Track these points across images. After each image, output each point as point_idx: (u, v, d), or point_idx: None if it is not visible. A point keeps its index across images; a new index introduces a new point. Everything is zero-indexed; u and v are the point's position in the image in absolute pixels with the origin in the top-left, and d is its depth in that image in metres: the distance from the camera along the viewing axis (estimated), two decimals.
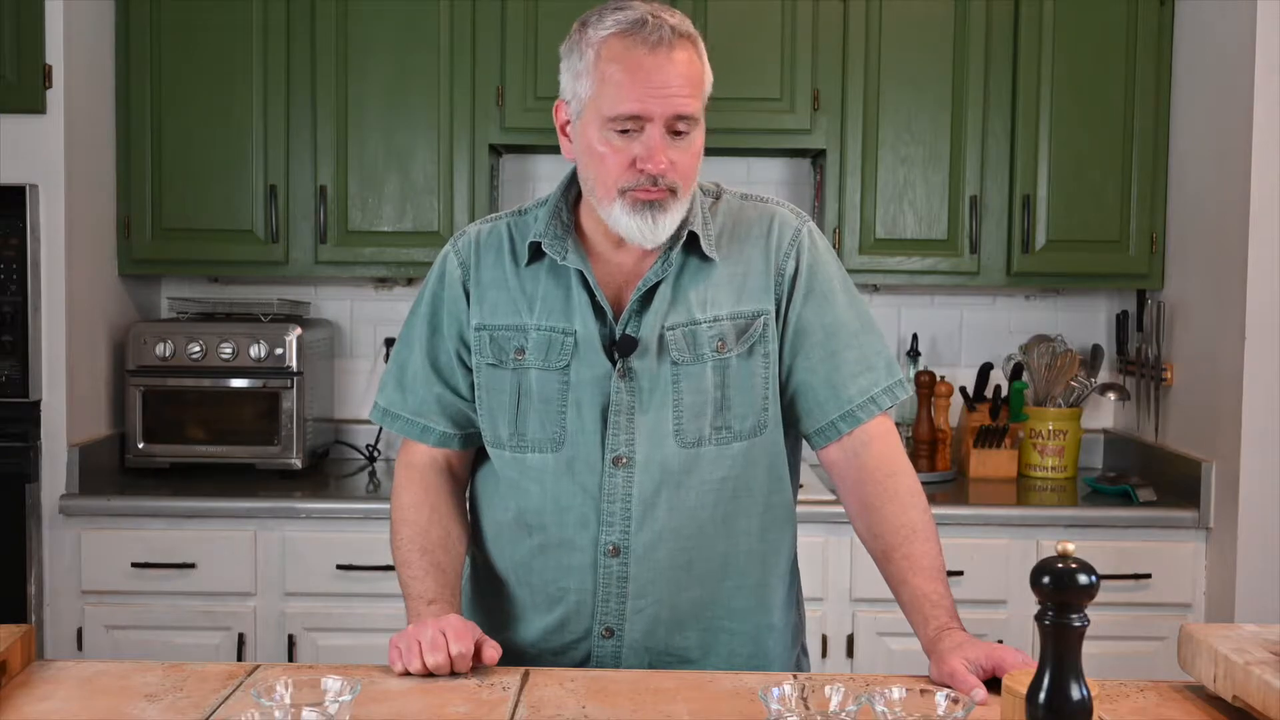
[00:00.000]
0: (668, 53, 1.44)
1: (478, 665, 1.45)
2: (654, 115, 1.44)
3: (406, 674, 1.43)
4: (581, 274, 1.55)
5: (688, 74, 1.46)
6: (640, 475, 1.53)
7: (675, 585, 1.55)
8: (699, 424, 1.54)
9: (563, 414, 1.55)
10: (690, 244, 1.56)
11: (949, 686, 1.33)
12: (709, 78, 1.52)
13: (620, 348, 1.53)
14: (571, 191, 1.60)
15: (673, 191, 1.48)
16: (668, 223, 1.49)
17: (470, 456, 1.68)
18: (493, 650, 1.45)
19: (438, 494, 1.64)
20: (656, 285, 1.55)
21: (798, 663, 1.69)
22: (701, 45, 1.51)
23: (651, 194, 1.47)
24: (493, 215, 1.68)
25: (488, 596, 1.66)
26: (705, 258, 1.56)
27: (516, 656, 1.59)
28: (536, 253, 1.58)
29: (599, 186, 1.50)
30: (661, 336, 1.54)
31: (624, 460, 1.53)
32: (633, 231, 1.49)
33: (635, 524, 1.53)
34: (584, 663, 1.58)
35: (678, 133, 1.47)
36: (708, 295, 1.56)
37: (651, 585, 1.55)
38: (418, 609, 1.53)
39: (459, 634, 1.43)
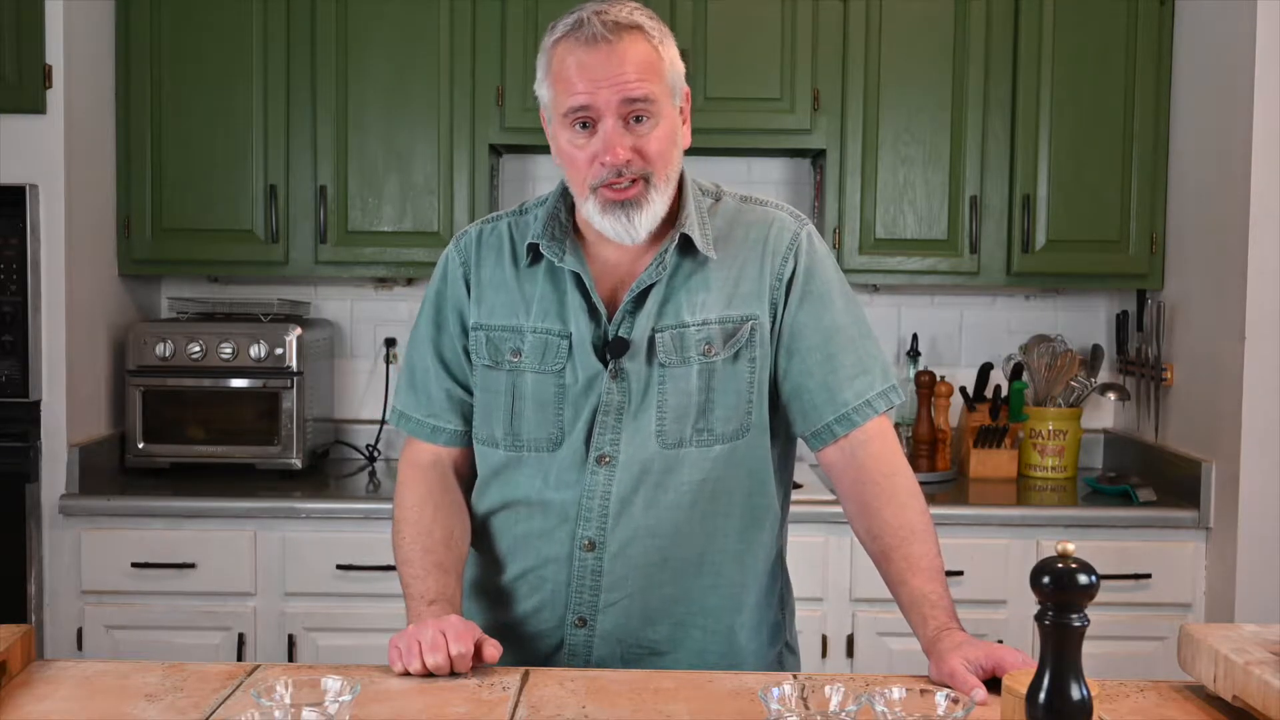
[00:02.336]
0: (608, 46, 1.48)
1: (478, 665, 1.45)
2: (601, 105, 1.48)
3: (406, 674, 1.43)
4: (578, 275, 1.57)
5: (634, 59, 1.48)
6: (621, 474, 1.55)
7: (648, 581, 1.57)
8: (681, 425, 1.55)
9: (560, 415, 1.57)
10: (686, 245, 1.57)
11: (949, 686, 1.33)
12: (670, 63, 1.52)
13: (612, 349, 1.55)
14: (570, 193, 1.61)
15: (645, 181, 1.50)
16: (644, 218, 1.51)
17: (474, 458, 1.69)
18: (493, 649, 1.46)
19: (441, 493, 1.65)
20: (651, 287, 1.56)
21: (780, 660, 1.69)
22: (654, 32, 1.51)
23: (621, 193, 1.49)
24: (494, 214, 1.70)
25: (482, 576, 1.67)
26: (700, 260, 1.57)
27: (502, 633, 1.59)
28: (535, 254, 1.60)
29: (574, 186, 1.54)
30: (651, 339, 1.55)
31: (607, 459, 1.55)
32: (608, 230, 1.52)
33: (612, 521, 1.55)
34: (558, 648, 1.60)
35: (637, 119, 1.49)
36: (699, 299, 1.57)
37: (624, 580, 1.56)
38: (418, 609, 1.54)
39: (459, 634, 1.43)
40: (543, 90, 1.55)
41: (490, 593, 1.65)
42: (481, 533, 1.66)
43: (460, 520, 1.64)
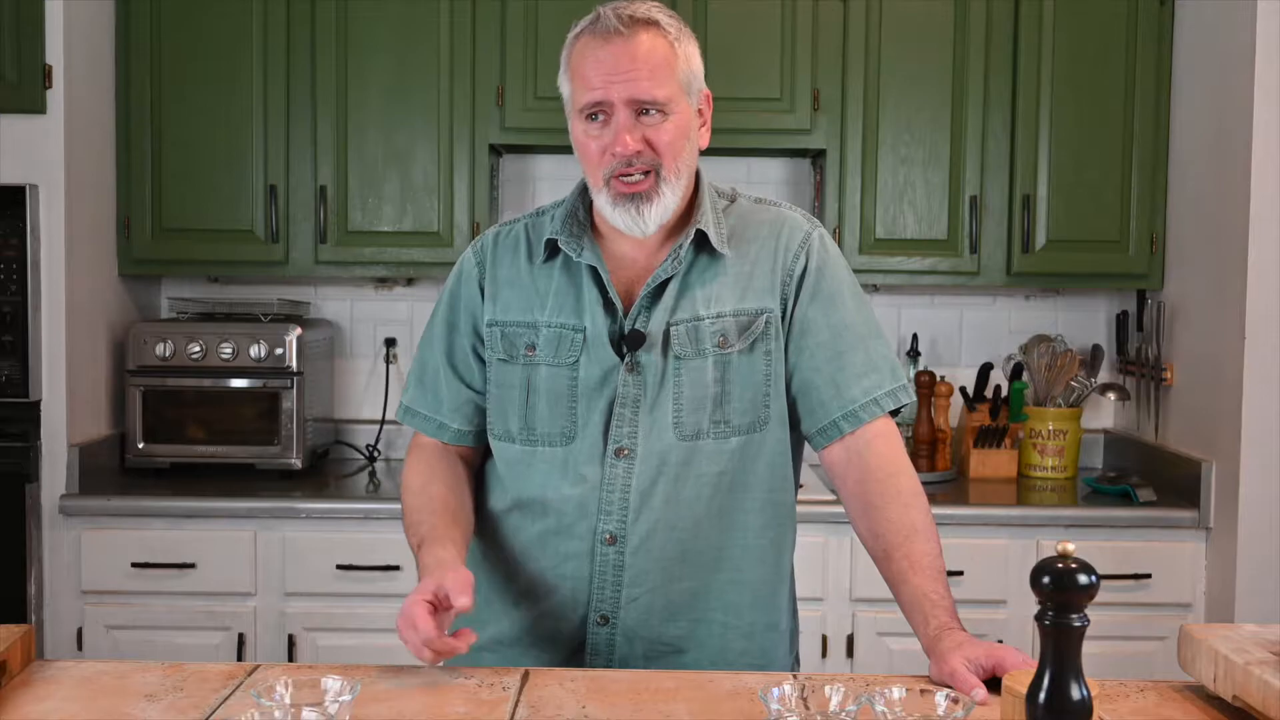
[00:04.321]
0: (622, 40, 1.50)
1: (464, 614, 1.42)
2: (613, 99, 1.50)
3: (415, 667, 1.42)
4: (594, 270, 1.59)
5: (647, 55, 1.50)
6: (640, 466, 1.55)
7: (669, 576, 1.57)
8: (698, 417, 1.56)
9: (573, 408, 1.58)
10: (700, 242, 1.59)
11: (949, 686, 1.33)
12: (686, 60, 1.54)
13: (629, 342, 1.56)
14: (588, 192, 1.63)
15: (655, 173, 1.52)
16: (654, 211, 1.53)
17: (483, 451, 1.70)
18: (461, 597, 1.40)
19: (446, 469, 1.65)
20: (667, 281, 1.58)
21: (792, 669, 1.70)
22: (670, 29, 1.53)
23: (632, 185, 1.52)
24: (511, 218, 1.72)
25: (485, 585, 1.67)
26: (715, 256, 1.60)
27: (514, 643, 1.60)
28: (552, 250, 1.62)
29: (589, 178, 1.57)
30: (666, 331, 1.57)
31: (625, 451, 1.56)
32: (620, 223, 1.55)
33: (632, 514, 1.55)
34: (579, 649, 1.59)
35: (648, 111, 1.51)
36: (713, 292, 1.59)
37: (646, 575, 1.56)
38: (419, 562, 1.52)
39: (412, 622, 1.37)
40: (563, 85, 1.58)
41: (506, 598, 1.64)
42: (495, 535, 1.65)
43: (465, 494, 1.64)
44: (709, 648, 1.60)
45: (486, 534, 1.67)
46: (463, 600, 1.40)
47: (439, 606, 1.40)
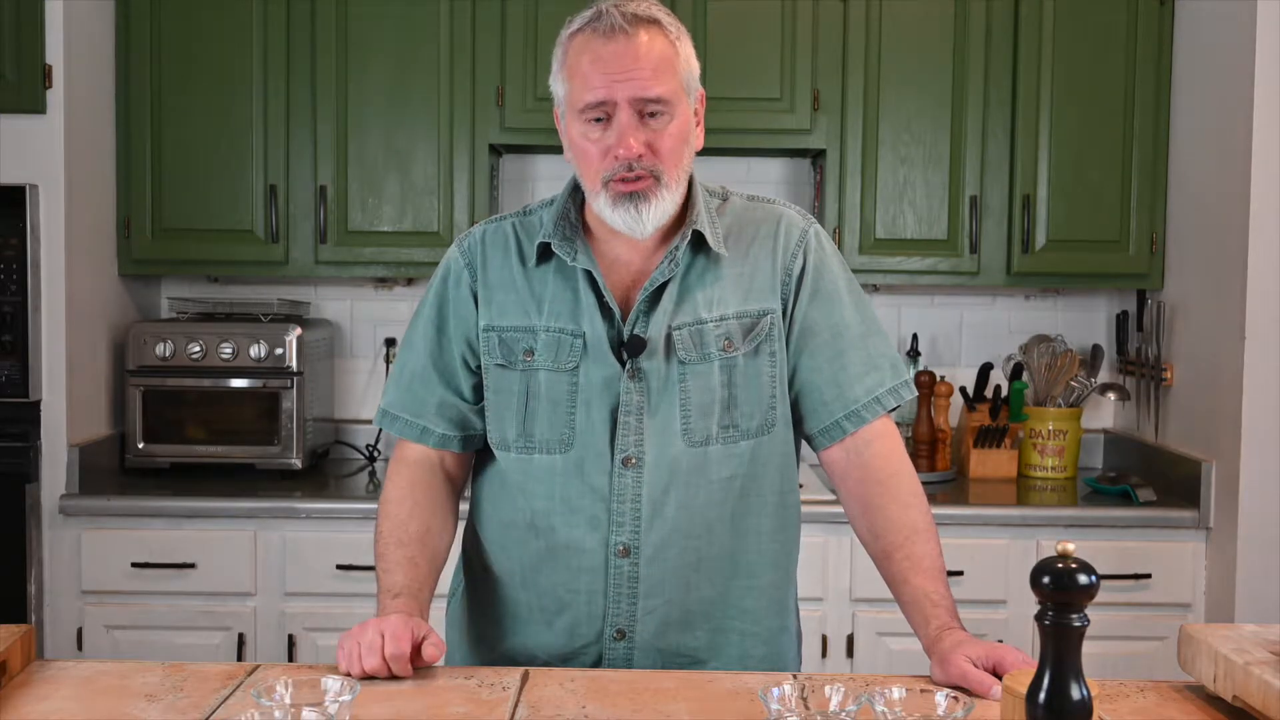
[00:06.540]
0: (625, 39, 1.47)
1: (420, 666, 1.42)
2: (617, 99, 1.47)
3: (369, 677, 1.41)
4: (590, 274, 1.56)
5: (650, 54, 1.47)
6: (649, 475, 1.53)
7: (685, 585, 1.55)
8: (706, 422, 1.54)
9: (572, 415, 1.55)
10: (697, 243, 1.57)
11: (958, 687, 1.33)
12: (686, 60, 1.52)
13: (629, 348, 1.53)
14: (578, 193, 1.60)
15: (656, 178, 1.49)
16: (653, 212, 1.50)
17: (469, 459, 1.67)
18: (434, 649, 1.42)
19: (423, 489, 1.61)
20: (664, 285, 1.55)
21: (797, 669, 1.69)
22: (671, 28, 1.51)
23: (631, 184, 1.48)
24: (497, 216, 1.68)
25: (489, 606, 1.64)
26: (712, 257, 1.57)
27: (527, 662, 1.58)
28: (544, 254, 1.59)
29: (586, 180, 1.53)
30: (669, 336, 1.54)
31: (633, 460, 1.53)
32: (618, 223, 1.51)
33: (645, 524, 1.53)
34: (594, 666, 1.57)
35: (652, 114, 1.48)
36: (714, 295, 1.56)
37: (661, 585, 1.54)
38: (384, 602, 1.51)
39: (396, 635, 1.40)
40: (557, 84, 1.54)
41: (514, 617, 1.61)
42: (500, 551, 1.62)
43: (440, 516, 1.61)
44: (728, 656, 1.58)
45: (491, 551, 1.63)
46: (439, 656, 1.43)
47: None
